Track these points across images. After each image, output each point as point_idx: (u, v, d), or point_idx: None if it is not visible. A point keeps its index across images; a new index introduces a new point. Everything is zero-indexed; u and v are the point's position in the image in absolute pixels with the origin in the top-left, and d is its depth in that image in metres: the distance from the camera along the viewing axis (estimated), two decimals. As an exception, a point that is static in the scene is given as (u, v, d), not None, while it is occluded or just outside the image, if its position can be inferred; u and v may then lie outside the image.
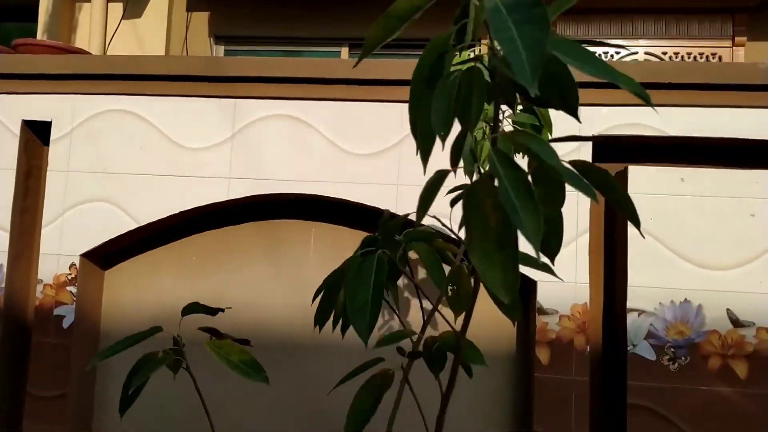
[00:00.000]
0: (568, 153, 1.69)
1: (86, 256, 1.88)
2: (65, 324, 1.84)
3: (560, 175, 0.70)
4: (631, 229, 1.66)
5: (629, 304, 1.62)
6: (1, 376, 1.87)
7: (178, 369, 1.19)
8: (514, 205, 0.66)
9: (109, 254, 1.97)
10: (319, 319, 1.11)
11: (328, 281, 1.10)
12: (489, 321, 1.80)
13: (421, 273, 1.81)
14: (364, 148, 1.80)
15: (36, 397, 1.83)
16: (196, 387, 1.19)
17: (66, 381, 1.82)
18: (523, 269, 1.67)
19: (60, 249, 1.87)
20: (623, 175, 1.70)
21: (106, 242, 1.86)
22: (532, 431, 1.65)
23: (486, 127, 1.27)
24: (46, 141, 1.96)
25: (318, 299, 1.13)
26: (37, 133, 1.97)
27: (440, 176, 0.83)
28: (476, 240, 0.71)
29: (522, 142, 0.72)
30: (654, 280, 1.63)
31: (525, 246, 0.66)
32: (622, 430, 1.62)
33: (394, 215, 1.13)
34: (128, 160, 1.87)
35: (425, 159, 0.77)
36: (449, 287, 1.17)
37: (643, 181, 1.66)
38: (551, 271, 0.97)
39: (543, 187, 0.80)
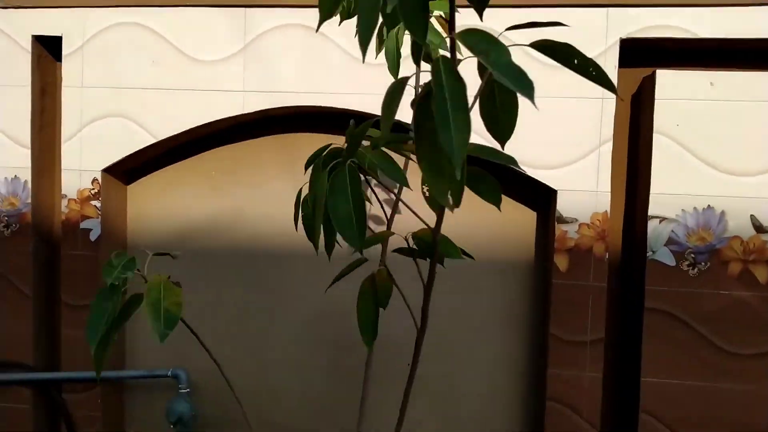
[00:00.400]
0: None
1: (107, 171, 1.90)
2: (92, 237, 1.89)
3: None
4: (656, 137, 1.62)
5: (651, 212, 1.61)
6: (36, 286, 1.94)
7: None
8: (447, 115, 0.66)
9: (130, 169, 1.99)
10: (313, 237, 1.11)
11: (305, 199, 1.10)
12: (507, 230, 1.81)
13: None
14: (381, 58, 1.75)
15: (71, 305, 1.91)
16: (187, 325, 1.22)
17: (96, 291, 1.88)
18: (543, 179, 1.66)
19: (81, 165, 1.88)
20: (650, 80, 1.64)
21: (126, 157, 1.87)
22: (548, 334, 1.70)
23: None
24: (57, 56, 1.93)
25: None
26: (48, 49, 1.94)
27: (400, 84, 0.80)
28: (425, 150, 0.71)
29: (474, 43, 0.69)
30: (677, 187, 1.60)
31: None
32: (638, 332, 1.65)
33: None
34: (141, 75, 1.84)
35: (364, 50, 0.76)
36: (424, 187, 1.19)
37: (671, 86, 1.61)
38: (515, 163, 0.96)
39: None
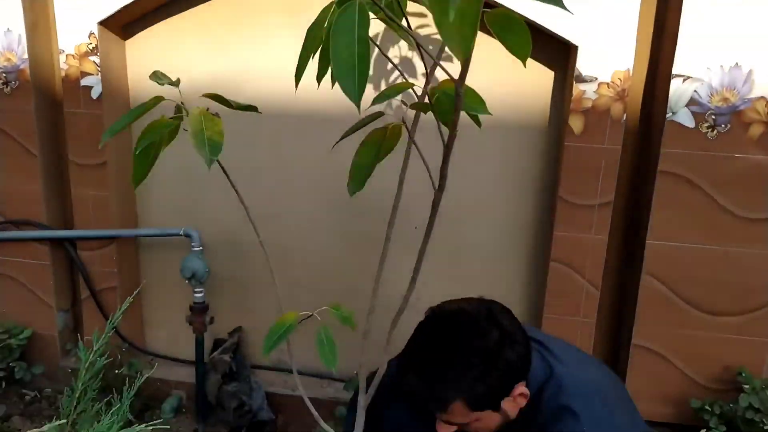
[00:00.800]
0: None
1: (104, 24, 1.80)
2: (94, 95, 1.84)
3: None
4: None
5: (675, 70, 1.53)
6: (42, 145, 1.93)
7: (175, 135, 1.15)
8: None
9: (128, 23, 1.89)
10: (297, 75, 1.05)
11: (308, 36, 1.02)
12: (522, 91, 1.74)
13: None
14: None
15: (78, 165, 1.90)
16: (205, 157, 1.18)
17: (104, 150, 1.87)
18: (563, 33, 1.56)
19: (77, 17, 1.79)
20: None
21: (122, 9, 1.76)
22: (557, 197, 1.69)
23: None
24: None
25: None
26: None
27: None
28: None
29: None
30: (705, 44, 1.51)
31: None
32: (648, 195, 1.64)
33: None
34: None
35: None
36: None
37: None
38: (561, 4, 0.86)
39: None
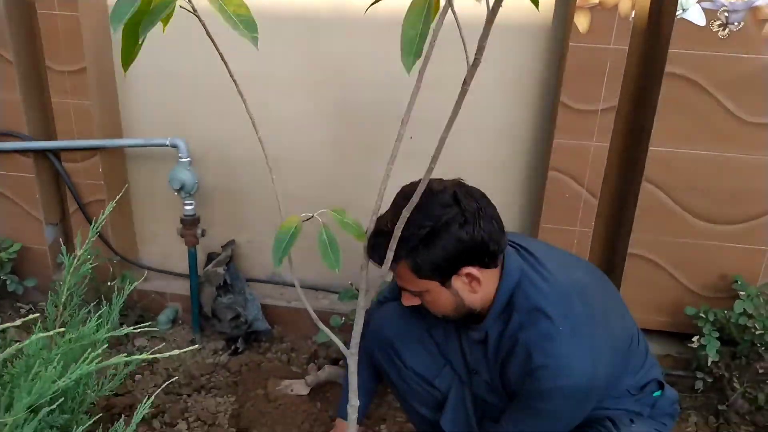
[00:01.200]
0: None
1: None
2: (68, -7, 1.72)
3: None
4: None
5: (689, -39, 1.43)
6: (17, 50, 1.82)
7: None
8: None
9: None
10: None
11: None
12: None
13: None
14: None
15: (56, 71, 1.81)
16: (207, 33, 1.08)
17: (81, 55, 1.77)
18: None
19: None
20: None
21: None
22: (558, 102, 1.62)
23: None
24: None
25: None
26: None
27: None
28: None
29: None
30: (724, -69, 1.40)
31: None
32: (653, 100, 1.58)
33: None
34: None
35: None
36: None
37: None
38: None
39: None
